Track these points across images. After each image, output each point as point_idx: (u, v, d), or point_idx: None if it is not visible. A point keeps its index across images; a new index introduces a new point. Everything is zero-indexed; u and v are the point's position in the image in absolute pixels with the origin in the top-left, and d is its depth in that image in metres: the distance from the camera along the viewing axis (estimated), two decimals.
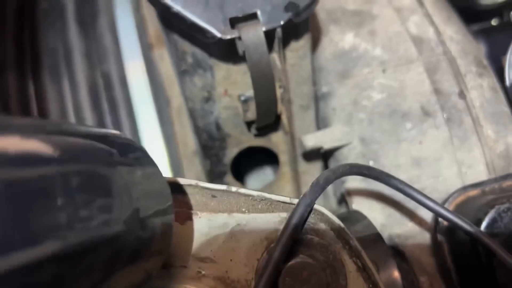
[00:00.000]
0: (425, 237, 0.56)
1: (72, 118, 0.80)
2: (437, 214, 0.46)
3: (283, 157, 0.69)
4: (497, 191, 0.55)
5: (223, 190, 0.40)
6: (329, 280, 0.39)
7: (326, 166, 0.71)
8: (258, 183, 0.83)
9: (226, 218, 0.40)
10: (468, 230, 0.45)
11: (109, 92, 0.81)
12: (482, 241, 0.43)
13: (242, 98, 0.58)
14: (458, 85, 0.61)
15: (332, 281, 0.39)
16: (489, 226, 0.48)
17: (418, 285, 0.54)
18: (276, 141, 0.67)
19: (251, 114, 0.59)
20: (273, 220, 0.40)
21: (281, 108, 0.60)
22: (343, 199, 0.63)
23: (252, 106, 0.57)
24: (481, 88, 0.62)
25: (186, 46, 0.56)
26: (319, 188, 0.39)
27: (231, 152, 0.66)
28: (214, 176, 0.69)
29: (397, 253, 0.55)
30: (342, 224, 0.41)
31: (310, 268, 0.38)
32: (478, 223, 0.49)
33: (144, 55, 0.82)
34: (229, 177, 0.69)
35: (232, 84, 0.59)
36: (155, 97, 0.80)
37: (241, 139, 0.65)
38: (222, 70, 0.57)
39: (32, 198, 0.21)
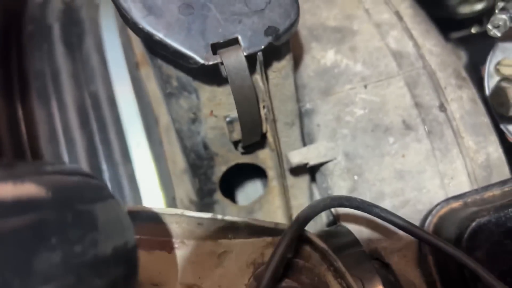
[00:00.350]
0: (410, 249, 0.57)
1: (61, 139, 0.80)
2: (421, 239, 0.47)
3: (271, 173, 0.70)
4: (479, 202, 0.56)
5: (208, 218, 0.41)
6: None
7: (313, 179, 0.72)
8: (249, 196, 0.84)
9: (213, 245, 0.41)
10: (451, 253, 0.46)
11: (98, 112, 0.81)
12: (466, 264, 0.44)
13: (228, 119, 0.59)
14: (438, 98, 0.63)
15: None
16: (470, 239, 0.49)
17: None
18: (263, 157, 0.68)
19: (237, 135, 0.60)
20: (258, 245, 0.41)
21: (266, 127, 0.61)
22: (331, 213, 0.64)
23: (238, 126, 0.59)
24: (461, 100, 0.63)
25: (171, 70, 0.57)
26: (298, 226, 0.40)
27: (219, 170, 0.67)
28: (203, 194, 0.70)
29: (383, 265, 0.57)
30: (326, 247, 0.42)
31: None
32: (460, 235, 0.50)
33: (131, 74, 0.83)
34: (218, 195, 0.70)
35: (217, 105, 0.60)
36: (143, 116, 0.81)
37: (229, 157, 0.66)
38: (207, 92, 0.58)
39: (27, 242, 0.22)
